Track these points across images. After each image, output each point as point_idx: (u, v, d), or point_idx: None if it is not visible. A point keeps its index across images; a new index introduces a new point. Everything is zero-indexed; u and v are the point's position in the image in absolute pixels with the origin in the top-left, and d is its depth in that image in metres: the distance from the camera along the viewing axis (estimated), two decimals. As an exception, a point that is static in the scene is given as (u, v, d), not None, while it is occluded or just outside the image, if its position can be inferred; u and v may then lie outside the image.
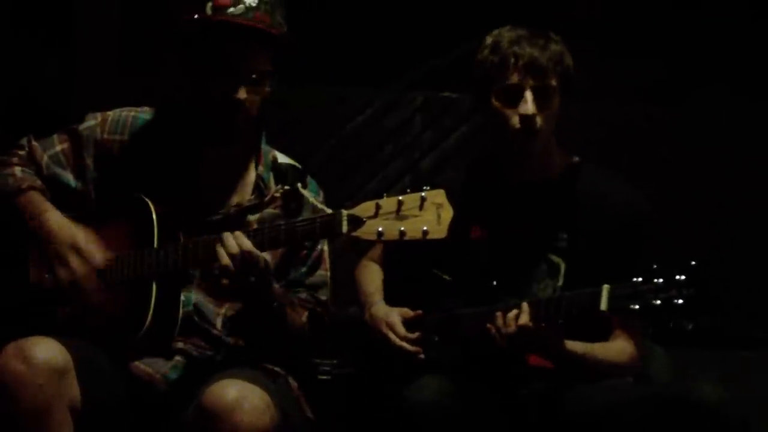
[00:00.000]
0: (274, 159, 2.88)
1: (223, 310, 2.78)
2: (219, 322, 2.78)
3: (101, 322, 2.72)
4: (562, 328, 2.76)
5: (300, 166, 2.90)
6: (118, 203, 2.79)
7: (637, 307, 2.62)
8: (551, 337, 2.75)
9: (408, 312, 2.93)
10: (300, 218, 2.70)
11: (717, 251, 4.29)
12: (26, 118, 4.34)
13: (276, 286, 2.72)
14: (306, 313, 2.81)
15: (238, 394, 2.53)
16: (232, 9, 2.73)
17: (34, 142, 2.88)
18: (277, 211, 2.83)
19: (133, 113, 2.88)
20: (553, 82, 2.84)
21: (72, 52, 4.58)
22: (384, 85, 4.68)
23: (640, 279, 2.63)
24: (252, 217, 2.81)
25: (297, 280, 2.85)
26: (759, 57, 4.55)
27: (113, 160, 2.84)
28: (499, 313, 2.74)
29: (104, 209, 2.81)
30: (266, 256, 2.64)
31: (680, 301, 2.57)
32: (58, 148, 2.86)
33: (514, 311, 2.73)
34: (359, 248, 3.09)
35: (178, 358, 2.73)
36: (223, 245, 2.59)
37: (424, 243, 2.46)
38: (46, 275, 2.77)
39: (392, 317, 2.92)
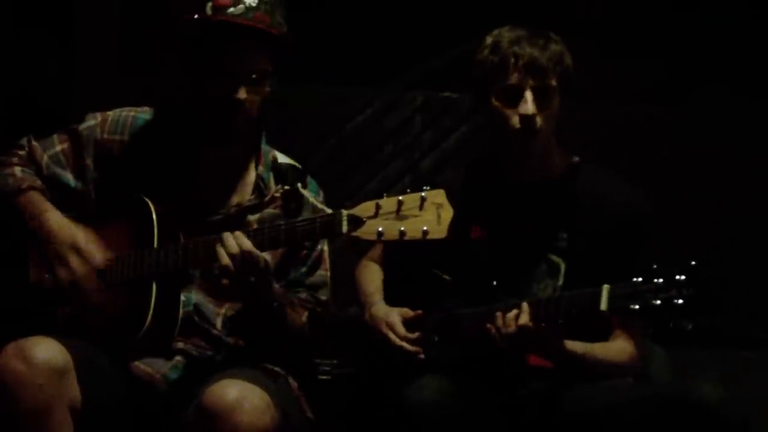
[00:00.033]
0: (274, 159, 2.88)
1: (223, 311, 2.78)
2: (219, 322, 2.78)
3: (101, 322, 2.72)
4: (562, 328, 2.76)
5: (300, 166, 2.90)
6: (118, 203, 2.79)
7: (636, 307, 2.62)
8: (551, 337, 2.75)
9: (408, 312, 2.93)
10: (300, 218, 2.69)
11: (717, 251, 4.29)
12: (26, 118, 4.34)
13: (276, 286, 2.72)
14: (306, 313, 2.81)
15: (239, 394, 2.53)
16: (232, 9, 2.73)
17: (34, 142, 2.88)
18: (277, 211, 2.83)
19: (133, 113, 2.88)
20: (553, 82, 2.84)
21: (72, 52, 4.57)
22: (384, 85, 4.68)
23: (640, 279, 2.63)
24: (252, 217, 2.81)
25: (297, 280, 2.85)
26: (759, 57, 4.55)
27: (113, 160, 2.84)
28: (499, 313, 2.74)
29: (104, 209, 2.81)
30: (266, 256, 2.64)
31: (680, 301, 2.57)
32: (58, 148, 2.86)
33: (514, 311, 2.73)
34: (359, 248, 3.09)
35: (178, 358, 2.73)
36: (223, 245, 2.59)
37: (424, 243, 2.46)
38: (46, 275, 2.77)
39: (392, 317, 2.92)
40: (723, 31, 4.59)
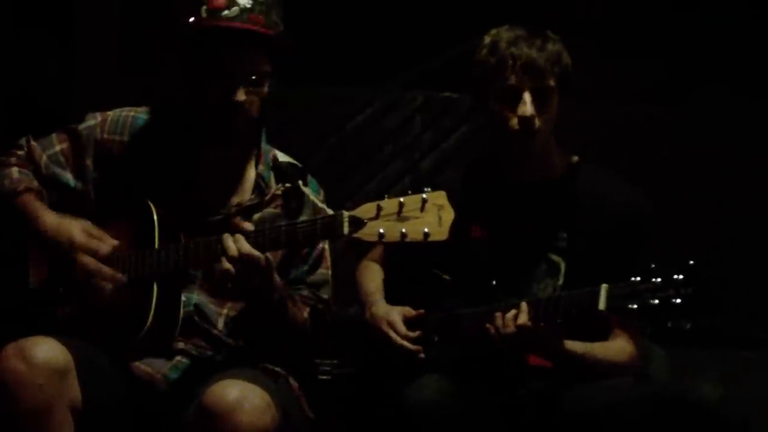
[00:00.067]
0: (275, 158, 2.89)
1: (224, 311, 2.79)
2: (220, 323, 2.78)
3: (102, 322, 2.72)
4: (561, 328, 2.76)
5: (300, 165, 2.91)
6: (118, 204, 2.79)
7: (635, 306, 2.62)
8: (550, 337, 2.75)
9: (410, 311, 2.93)
10: (301, 220, 2.70)
11: (717, 251, 4.29)
12: (26, 118, 4.34)
13: (277, 279, 2.71)
14: (307, 310, 2.81)
15: (239, 394, 2.53)
16: (226, 12, 2.72)
17: (33, 142, 2.87)
18: (277, 210, 2.83)
19: (133, 113, 2.88)
20: (551, 83, 2.84)
21: (72, 52, 4.57)
22: (383, 85, 4.68)
23: (639, 278, 2.63)
24: (253, 217, 2.81)
25: (298, 279, 2.85)
26: (759, 57, 4.55)
27: (113, 161, 2.84)
28: (498, 314, 2.74)
29: (104, 210, 2.81)
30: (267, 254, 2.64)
31: (678, 301, 2.57)
32: (58, 147, 2.86)
33: (513, 311, 2.73)
34: (360, 249, 3.09)
35: (178, 358, 2.73)
36: (223, 249, 2.59)
37: (424, 244, 2.46)
38: (46, 277, 2.77)
39: (393, 316, 2.92)
40: (723, 31, 4.59)
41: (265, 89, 2.77)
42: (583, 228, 2.88)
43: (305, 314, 2.80)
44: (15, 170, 2.83)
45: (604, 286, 2.67)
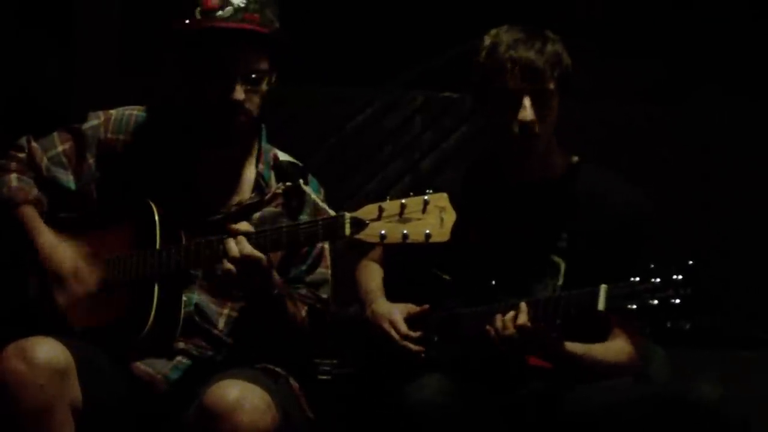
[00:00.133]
0: (275, 157, 2.89)
1: (225, 311, 2.79)
2: (221, 323, 2.78)
3: (102, 322, 2.72)
4: (561, 328, 2.76)
5: (301, 164, 2.91)
6: (120, 204, 2.79)
7: (634, 306, 2.62)
8: (550, 338, 2.75)
9: (413, 308, 2.92)
10: (302, 221, 2.70)
11: (717, 251, 4.29)
12: (26, 118, 4.34)
13: (276, 277, 2.71)
14: (306, 308, 2.81)
15: (239, 394, 2.53)
16: (220, 12, 2.73)
17: (33, 144, 2.87)
18: (278, 209, 2.84)
19: (136, 112, 2.89)
20: (551, 86, 2.83)
21: (72, 52, 4.57)
22: (384, 85, 4.68)
23: (638, 279, 2.63)
24: (253, 216, 2.81)
25: (297, 278, 2.85)
26: (759, 57, 4.55)
27: (115, 160, 2.84)
28: (498, 315, 2.74)
29: (106, 210, 2.81)
30: (267, 253, 2.65)
31: (677, 301, 2.57)
32: (60, 148, 2.86)
33: (512, 312, 2.72)
34: (360, 249, 3.09)
35: (179, 358, 2.74)
36: (225, 250, 2.60)
37: (425, 245, 2.47)
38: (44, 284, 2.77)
39: (395, 315, 2.91)
40: (723, 31, 4.59)
41: (264, 87, 2.77)
42: (583, 228, 2.88)
43: (303, 313, 2.80)
44: (14, 177, 2.82)
45: (603, 287, 2.67)
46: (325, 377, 3.09)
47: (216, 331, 2.77)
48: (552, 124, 2.87)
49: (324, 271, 2.88)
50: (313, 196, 2.80)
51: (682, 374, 2.95)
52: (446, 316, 2.91)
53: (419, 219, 2.47)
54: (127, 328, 2.68)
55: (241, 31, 2.72)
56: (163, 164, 2.82)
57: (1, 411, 2.51)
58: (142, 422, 2.69)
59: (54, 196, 2.83)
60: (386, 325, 2.91)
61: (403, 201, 2.48)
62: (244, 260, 2.59)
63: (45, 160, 2.85)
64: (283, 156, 2.90)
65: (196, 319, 2.75)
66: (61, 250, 2.76)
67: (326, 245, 2.87)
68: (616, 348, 2.87)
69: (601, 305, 2.66)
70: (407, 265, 2.98)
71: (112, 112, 2.89)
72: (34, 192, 2.81)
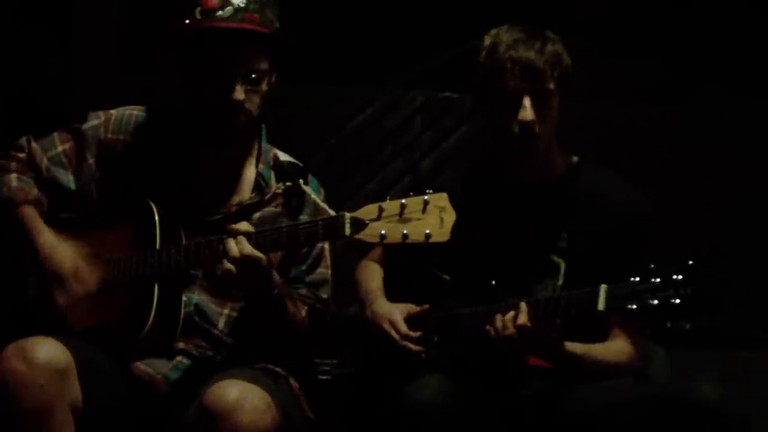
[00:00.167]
0: (275, 157, 2.89)
1: (225, 311, 2.79)
2: (221, 323, 2.78)
3: (102, 322, 2.72)
4: (561, 329, 2.76)
5: (301, 164, 2.91)
6: (120, 204, 2.79)
7: (634, 307, 2.62)
8: (550, 337, 2.75)
9: (413, 308, 2.92)
10: (302, 221, 2.70)
11: (717, 251, 4.29)
12: (26, 118, 4.34)
13: (276, 276, 2.72)
14: (306, 308, 2.81)
15: (239, 394, 2.53)
16: (220, 12, 2.73)
17: (33, 144, 2.87)
18: (278, 209, 2.84)
19: (136, 112, 2.89)
20: (551, 86, 2.83)
21: (72, 52, 4.57)
22: (384, 85, 4.68)
23: (638, 279, 2.63)
24: (253, 216, 2.81)
25: (297, 278, 2.85)
26: (759, 57, 4.55)
27: (115, 160, 2.84)
28: (498, 316, 2.74)
29: (106, 210, 2.81)
30: (267, 253, 2.65)
31: (677, 301, 2.57)
32: (60, 148, 2.86)
33: (512, 313, 2.72)
34: (360, 249, 3.09)
35: (179, 358, 2.74)
36: (225, 250, 2.60)
37: (425, 245, 2.47)
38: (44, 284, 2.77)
39: (395, 315, 2.91)
40: (723, 31, 4.59)
41: (264, 87, 2.78)
42: (583, 228, 2.88)
43: (303, 312, 2.80)
44: (14, 177, 2.82)
45: (603, 287, 2.67)
46: (325, 377, 3.09)
47: (216, 331, 2.77)
48: (552, 124, 2.87)
49: (324, 271, 2.88)
50: (313, 196, 2.81)
51: (682, 374, 2.95)
52: (446, 316, 2.91)
53: (419, 219, 2.47)
54: (127, 328, 2.68)
55: (241, 31, 2.72)
56: (163, 164, 2.82)
57: (1, 411, 2.51)
58: (142, 422, 2.69)
59: (54, 197, 2.84)
60: (386, 326, 2.91)
61: (403, 201, 2.48)
62: (244, 260, 2.59)
63: (45, 161, 2.85)
64: (283, 156, 2.91)
65: (196, 319, 2.75)
66: (61, 250, 2.76)
67: (326, 245, 2.87)
68: (615, 348, 2.86)
69: (601, 305, 2.66)
70: (407, 265, 2.98)
71: (113, 112, 2.89)
72: (34, 192, 2.82)
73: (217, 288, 2.76)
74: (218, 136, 2.78)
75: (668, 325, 2.60)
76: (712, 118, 4.57)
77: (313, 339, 2.85)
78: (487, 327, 2.74)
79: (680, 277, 2.58)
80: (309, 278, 2.86)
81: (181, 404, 2.65)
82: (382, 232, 2.48)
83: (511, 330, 2.71)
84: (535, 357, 2.82)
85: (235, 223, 2.68)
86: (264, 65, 2.76)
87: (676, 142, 4.55)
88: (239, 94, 2.72)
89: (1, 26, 4.50)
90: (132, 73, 4.47)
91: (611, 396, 2.78)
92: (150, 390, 2.69)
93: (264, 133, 2.90)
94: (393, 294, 3.01)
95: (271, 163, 2.87)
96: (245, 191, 2.85)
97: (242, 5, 2.73)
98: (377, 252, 3.11)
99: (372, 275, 3.09)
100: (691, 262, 2.60)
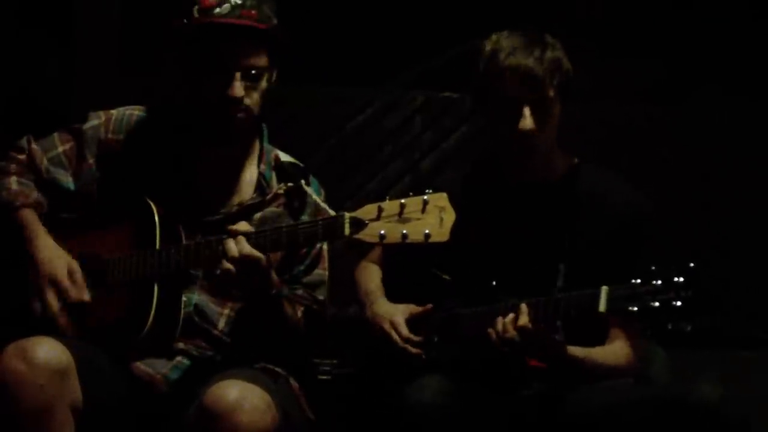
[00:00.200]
0: (277, 157, 2.89)
1: (225, 311, 2.79)
2: (221, 323, 2.78)
3: (102, 322, 2.72)
4: (561, 330, 2.76)
5: (302, 165, 2.91)
6: (120, 204, 2.79)
7: (635, 308, 2.62)
8: (550, 339, 2.75)
9: (415, 308, 2.91)
10: (302, 221, 2.70)
11: (717, 251, 4.29)
12: (26, 118, 4.34)
13: (274, 276, 2.71)
14: (302, 309, 2.81)
15: (239, 394, 2.53)
16: (218, 9, 2.73)
17: (33, 145, 2.87)
18: (279, 209, 2.83)
19: (136, 112, 2.89)
20: (551, 93, 2.82)
21: (72, 52, 4.57)
22: (384, 85, 4.68)
23: (639, 281, 2.63)
24: (254, 216, 2.81)
25: (294, 278, 2.84)
26: (759, 57, 4.55)
27: (115, 160, 2.84)
28: (498, 318, 2.74)
29: (106, 210, 2.81)
30: (266, 253, 2.65)
31: (678, 303, 2.57)
32: (60, 149, 2.86)
33: (512, 314, 2.72)
34: (360, 249, 3.09)
35: (179, 358, 2.74)
36: (225, 250, 2.60)
37: (425, 245, 2.46)
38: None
39: (397, 317, 2.91)
40: (722, 31, 4.59)
41: (264, 85, 2.78)
42: (583, 229, 2.88)
43: (299, 314, 2.80)
44: (14, 180, 2.82)
45: (604, 288, 2.66)
46: (325, 377, 3.09)
47: (216, 332, 2.77)
48: (552, 130, 2.87)
49: (321, 272, 2.88)
50: (315, 197, 2.81)
51: (682, 375, 2.95)
52: (446, 316, 2.91)
53: (419, 219, 2.47)
54: (127, 328, 2.68)
55: (238, 27, 2.73)
56: (164, 164, 2.82)
57: (1, 411, 2.51)
58: (142, 422, 2.69)
59: (54, 197, 2.83)
60: (387, 326, 2.91)
61: (403, 201, 2.48)
62: (243, 260, 2.59)
63: (45, 162, 2.85)
64: (284, 156, 2.91)
65: (196, 319, 2.75)
66: (59, 254, 2.76)
67: (325, 246, 2.87)
68: (615, 350, 2.86)
69: (602, 307, 2.66)
70: (407, 265, 2.98)
71: (113, 112, 2.89)
72: (34, 195, 2.81)
73: (217, 288, 2.76)
74: (218, 134, 2.78)
75: (669, 326, 2.60)
76: (712, 118, 4.57)
77: (309, 340, 2.85)
78: (489, 330, 2.74)
79: (681, 279, 2.58)
80: (306, 279, 2.85)
81: (181, 404, 2.65)
82: (382, 232, 2.48)
83: (511, 332, 2.71)
84: (536, 359, 2.82)
85: (235, 223, 2.68)
86: (263, 61, 2.76)
87: (676, 142, 4.55)
88: (238, 89, 2.72)
89: (1, 26, 4.50)
90: (132, 73, 4.47)
91: (612, 397, 2.78)
92: (150, 390, 2.69)
93: (265, 133, 2.90)
94: (393, 294, 3.01)
95: (273, 163, 2.87)
96: (246, 191, 2.85)
97: (239, 2, 2.73)
98: (377, 252, 3.11)
99: (371, 276, 3.09)
100: (692, 264, 2.60)
